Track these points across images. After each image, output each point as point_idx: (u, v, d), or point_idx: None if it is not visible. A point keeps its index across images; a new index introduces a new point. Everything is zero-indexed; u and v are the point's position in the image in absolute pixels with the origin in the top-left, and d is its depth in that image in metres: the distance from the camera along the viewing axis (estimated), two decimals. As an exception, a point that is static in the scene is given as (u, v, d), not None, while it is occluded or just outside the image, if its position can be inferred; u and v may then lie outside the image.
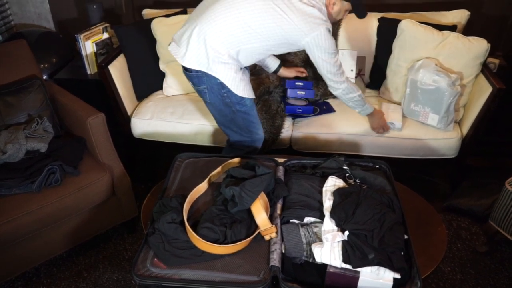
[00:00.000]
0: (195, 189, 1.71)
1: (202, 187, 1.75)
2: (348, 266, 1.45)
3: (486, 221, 2.22)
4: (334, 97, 2.73)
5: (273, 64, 2.54)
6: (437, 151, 2.48)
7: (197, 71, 2.03)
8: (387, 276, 1.43)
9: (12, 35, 3.15)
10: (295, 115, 2.63)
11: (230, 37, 1.97)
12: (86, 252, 2.37)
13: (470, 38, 2.44)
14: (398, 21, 2.58)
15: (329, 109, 2.64)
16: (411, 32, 2.52)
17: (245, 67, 2.18)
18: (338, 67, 2.10)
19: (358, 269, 1.44)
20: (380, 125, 2.43)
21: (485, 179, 2.64)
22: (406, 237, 1.56)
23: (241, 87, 2.07)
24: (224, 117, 2.21)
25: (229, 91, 2.06)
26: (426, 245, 1.74)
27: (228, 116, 2.18)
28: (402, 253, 1.50)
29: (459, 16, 2.66)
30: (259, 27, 1.96)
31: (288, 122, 2.59)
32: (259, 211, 1.55)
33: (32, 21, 3.37)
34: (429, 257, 1.71)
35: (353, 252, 1.46)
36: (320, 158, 1.96)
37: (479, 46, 2.40)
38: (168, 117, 2.65)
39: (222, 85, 2.04)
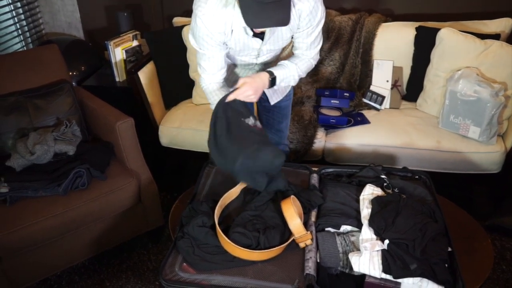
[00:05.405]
0: (226, 194, 1.64)
1: (234, 192, 1.67)
2: (388, 277, 1.36)
3: (533, 241, 2.07)
4: (369, 108, 2.66)
5: None
6: (479, 166, 2.35)
7: None
8: (430, 288, 1.32)
9: (42, 43, 3.19)
10: (328, 126, 2.54)
11: None
12: (109, 261, 2.30)
13: (516, 46, 2.33)
14: (437, 30, 2.49)
15: (364, 121, 2.54)
16: (451, 40, 2.42)
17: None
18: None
19: (399, 280, 1.35)
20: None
21: (531, 197, 2.48)
22: (449, 249, 1.45)
23: None
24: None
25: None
26: (470, 260, 1.62)
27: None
28: (446, 265, 1.39)
29: (503, 24, 2.54)
30: None
31: (321, 133, 2.51)
32: (293, 217, 1.46)
33: (63, 30, 3.41)
34: (474, 274, 1.59)
35: (394, 262, 1.37)
36: (356, 167, 1.86)
37: (525, 55, 2.30)
38: (197, 126, 2.59)
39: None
